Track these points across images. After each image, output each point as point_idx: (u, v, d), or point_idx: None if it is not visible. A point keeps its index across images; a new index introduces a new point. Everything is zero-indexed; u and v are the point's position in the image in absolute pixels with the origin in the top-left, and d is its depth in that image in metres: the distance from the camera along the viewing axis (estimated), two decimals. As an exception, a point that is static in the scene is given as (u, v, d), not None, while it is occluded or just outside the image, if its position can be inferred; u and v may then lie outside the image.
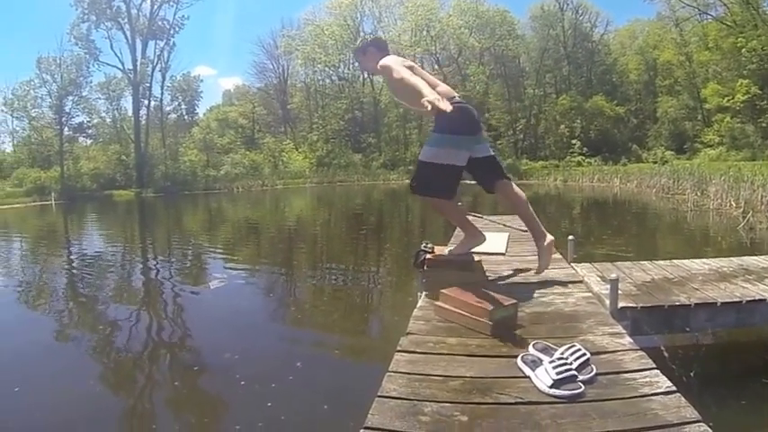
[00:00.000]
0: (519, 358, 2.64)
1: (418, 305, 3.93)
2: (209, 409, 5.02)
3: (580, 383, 2.35)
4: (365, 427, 2.17)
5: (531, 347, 2.73)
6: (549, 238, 4.43)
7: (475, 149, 4.17)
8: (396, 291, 9.29)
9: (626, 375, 2.48)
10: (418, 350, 2.96)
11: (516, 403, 2.28)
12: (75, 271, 13.18)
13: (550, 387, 2.34)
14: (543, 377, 2.40)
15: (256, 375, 5.44)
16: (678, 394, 2.26)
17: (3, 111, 46.30)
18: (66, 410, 4.96)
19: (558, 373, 2.36)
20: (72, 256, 15.82)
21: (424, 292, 4.18)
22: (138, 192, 40.91)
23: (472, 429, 2.09)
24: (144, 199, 38.54)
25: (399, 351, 2.97)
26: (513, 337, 3.09)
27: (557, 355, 2.56)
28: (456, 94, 4.15)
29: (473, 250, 4.65)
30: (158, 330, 7.88)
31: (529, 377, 2.49)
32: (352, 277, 10.81)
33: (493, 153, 4.45)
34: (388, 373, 2.67)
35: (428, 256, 4.44)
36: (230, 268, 12.29)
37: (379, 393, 2.46)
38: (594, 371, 2.48)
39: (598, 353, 2.71)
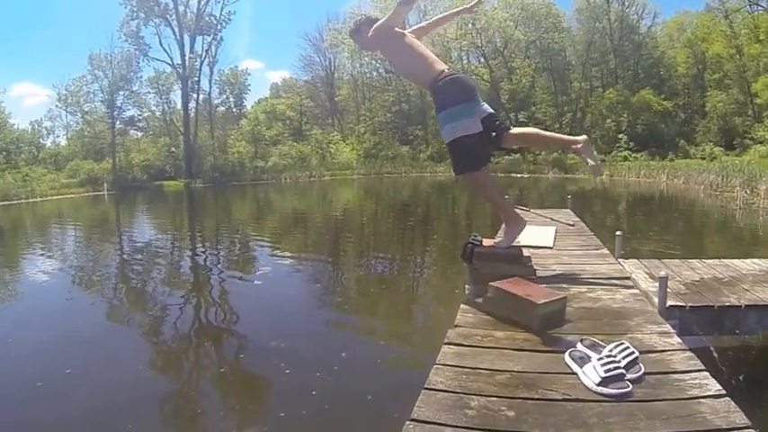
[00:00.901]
0: (567, 354, 2.62)
1: (466, 298, 3.92)
2: (253, 396, 5.11)
3: (628, 382, 2.31)
4: (411, 419, 2.17)
5: (578, 343, 2.71)
6: (583, 137, 4.23)
7: (480, 112, 4.12)
8: (442, 282, 9.27)
9: (674, 376, 2.43)
10: (465, 343, 2.96)
11: (563, 400, 2.26)
12: (125, 258, 13.61)
13: (598, 385, 2.30)
14: (591, 374, 2.37)
15: (301, 363, 5.51)
16: (728, 398, 2.19)
17: (57, 106, 47.96)
18: (114, 392, 5.12)
19: (606, 371, 2.32)
20: (123, 244, 16.33)
21: (471, 285, 4.17)
22: (188, 182, 41.83)
23: (519, 425, 2.07)
24: (193, 189, 39.39)
25: (447, 344, 2.96)
26: (561, 332, 3.07)
27: (605, 352, 2.52)
28: (446, 67, 4.13)
29: (521, 244, 4.64)
30: (205, 316, 8.09)
31: (576, 374, 2.46)
32: (398, 268, 10.81)
33: (492, 110, 4.35)
34: (435, 366, 2.67)
35: (476, 248, 4.42)
36: (277, 257, 12.47)
37: (425, 386, 2.46)
38: (643, 370, 2.43)
39: (646, 352, 2.66)
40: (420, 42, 4.31)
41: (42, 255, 14.13)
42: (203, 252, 14.27)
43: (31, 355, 6.26)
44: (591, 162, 4.19)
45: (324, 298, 8.87)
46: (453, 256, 10.74)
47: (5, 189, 32.75)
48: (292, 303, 8.44)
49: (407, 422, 2.15)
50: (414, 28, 4.60)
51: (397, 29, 4.21)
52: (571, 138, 4.33)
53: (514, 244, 4.52)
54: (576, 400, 2.25)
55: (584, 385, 2.35)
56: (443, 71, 4.06)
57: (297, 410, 4.48)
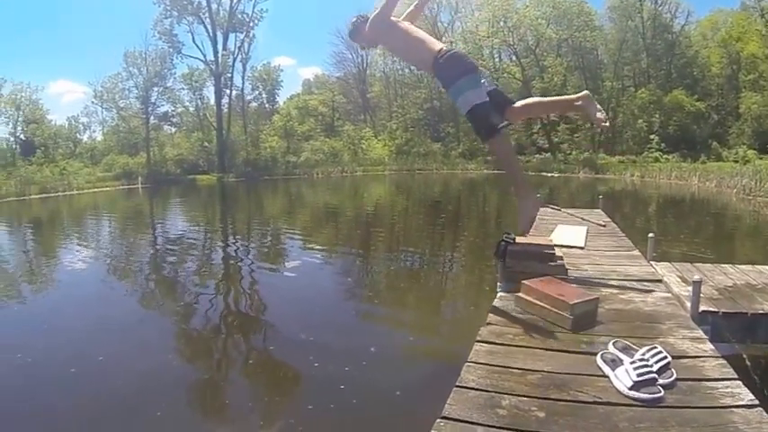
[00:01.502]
0: (598, 356, 2.61)
1: (498, 295, 3.92)
2: (281, 388, 5.17)
3: (660, 387, 2.29)
4: (443, 416, 2.18)
5: (610, 345, 2.70)
6: (583, 93, 4.27)
7: (485, 83, 4.14)
8: (471, 279, 9.26)
9: (707, 384, 2.40)
10: (497, 341, 2.97)
11: (594, 402, 2.25)
12: (159, 249, 13.86)
13: (630, 389, 2.29)
14: (623, 378, 2.35)
15: (330, 357, 5.54)
16: (760, 408, 2.16)
17: (93, 102, 48.74)
18: (145, 379, 5.24)
19: (638, 375, 2.30)
20: (156, 235, 16.65)
21: (503, 283, 4.17)
22: (220, 176, 42.19)
23: (549, 426, 2.08)
24: (225, 183, 39.74)
25: (479, 341, 2.97)
26: (593, 333, 3.05)
27: (637, 356, 2.50)
28: (443, 45, 4.17)
29: (553, 243, 4.64)
30: (236, 307, 8.19)
31: (608, 376, 2.45)
32: (427, 264, 10.79)
33: (495, 86, 4.42)
34: (466, 364, 2.69)
35: (509, 246, 4.41)
36: (308, 250, 12.56)
37: (457, 383, 2.48)
38: (675, 376, 2.41)
39: (678, 357, 2.63)
40: (414, 27, 4.38)
41: (78, 245, 14.50)
42: (235, 244, 14.47)
43: (66, 342, 6.44)
44: (598, 115, 4.22)
45: (354, 292, 8.89)
46: (483, 253, 10.73)
47: (44, 182, 33.45)
48: (322, 296, 8.52)
49: (438, 420, 2.16)
50: (405, 14, 4.60)
51: (392, 18, 4.27)
52: (572, 96, 4.33)
53: (546, 242, 4.52)
54: (608, 403, 2.24)
55: (616, 388, 2.34)
56: (441, 49, 4.11)
57: (325, 404, 4.51)
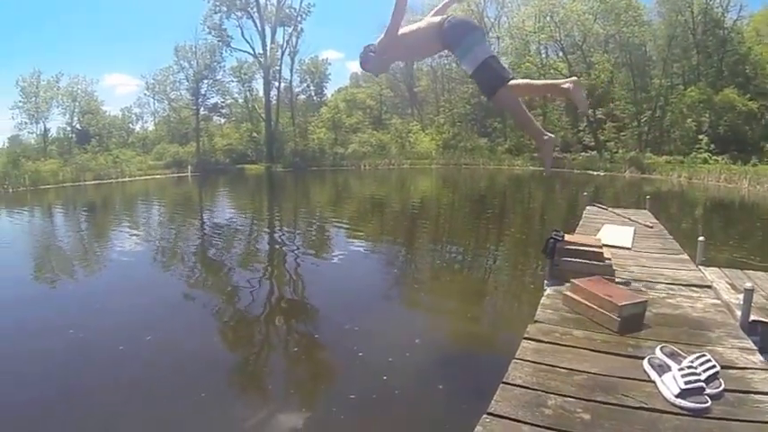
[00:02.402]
0: (646, 360, 2.59)
1: (546, 293, 3.93)
2: (325, 376, 5.25)
3: (707, 397, 2.25)
4: (489, 413, 2.21)
5: (658, 350, 2.67)
6: (572, 78, 4.11)
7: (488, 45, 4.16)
8: (515, 275, 9.18)
9: (755, 397, 2.35)
10: (545, 339, 2.98)
11: (640, 408, 2.24)
12: (206, 235, 14.20)
13: (677, 396, 2.26)
14: (670, 384, 2.33)
15: (374, 347, 5.60)
16: None
17: (146, 94, 50.25)
18: (190, 360, 5.42)
19: (686, 383, 2.28)
20: (204, 222, 17.00)
21: (551, 281, 4.18)
22: (269, 166, 42.92)
23: (594, 429, 2.09)
24: (273, 173, 40.26)
25: (526, 338, 3.00)
26: (639, 336, 3.02)
27: (685, 363, 2.47)
28: (441, 17, 4.22)
29: (602, 243, 4.63)
30: (280, 295, 8.29)
31: (654, 382, 2.43)
32: (472, 258, 10.71)
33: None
34: (514, 360, 2.71)
35: (558, 243, 4.40)
36: (353, 240, 12.64)
37: (504, 380, 2.51)
38: (722, 386, 2.37)
39: (726, 367, 2.58)
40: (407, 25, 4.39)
41: (129, 229, 14.99)
42: (281, 232, 14.68)
43: (116, 321, 6.70)
44: (580, 108, 4.26)
45: (398, 283, 8.93)
46: (526, 249, 10.66)
47: (98, 169, 34.59)
48: (367, 287, 8.55)
49: (485, 415, 2.19)
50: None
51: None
52: (559, 81, 4.23)
53: (595, 242, 4.50)
54: (653, 409, 2.23)
55: (662, 395, 2.32)
56: (443, 19, 4.14)
57: (367, 394, 4.56)
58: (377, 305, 7.50)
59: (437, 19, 4.20)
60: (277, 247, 12.30)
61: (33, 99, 41.85)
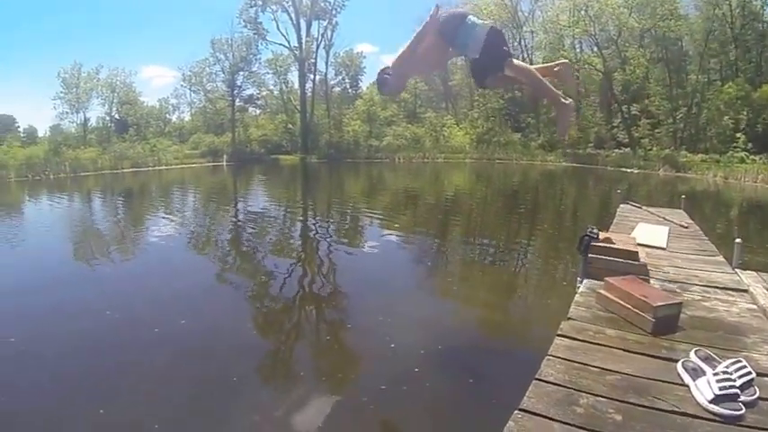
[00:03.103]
0: (679, 363, 2.56)
1: (579, 290, 3.92)
2: (356, 366, 5.29)
3: (741, 404, 2.21)
4: (520, 408, 2.23)
5: (692, 354, 2.64)
6: (564, 60, 4.33)
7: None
8: (547, 271, 9.14)
9: None
10: (578, 337, 2.98)
11: (672, 412, 2.22)
12: (240, 222, 14.49)
13: (710, 402, 2.23)
14: (704, 389, 2.29)
15: (407, 340, 5.61)
16: None
17: (182, 85, 51.50)
18: (223, 345, 5.55)
19: (720, 389, 2.24)
20: (238, 210, 17.33)
21: (585, 278, 4.17)
22: (303, 157, 43.80)
23: (625, 431, 2.08)
24: (308, 164, 40.83)
25: (559, 336, 3.00)
26: (673, 338, 3.00)
27: (720, 368, 2.42)
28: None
29: (637, 242, 4.61)
30: (313, 283, 8.36)
31: (687, 386, 2.41)
32: (504, 253, 10.66)
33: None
34: (547, 357, 2.73)
35: (593, 241, 4.39)
36: (385, 232, 12.65)
37: (536, 376, 2.52)
38: (757, 394, 2.31)
39: (762, 374, 2.53)
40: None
41: (165, 215, 15.37)
42: (315, 221, 14.87)
43: (151, 304, 6.92)
44: (566, 85, 4.49)
45: (431, 276, 8.93)
46: (559, 245, 10.58)
47: (135, 158, 35.66)
48: (400, 278, 8.60)
49: (516, 411, 2.21)
50: None
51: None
52: (560, 95, 4.24)
53: (630, 241, 4.49)
54: (686, 414, 2.21)
55: (695, 399, 2.30)
56: (437, 18, 4.21)
57: (398, 385, 4.59)
58: (410, 297, 7.52)
59: (435, 21, 4.26)
60: (311, 235, 12.47)
61: (74, 90, 43.07)
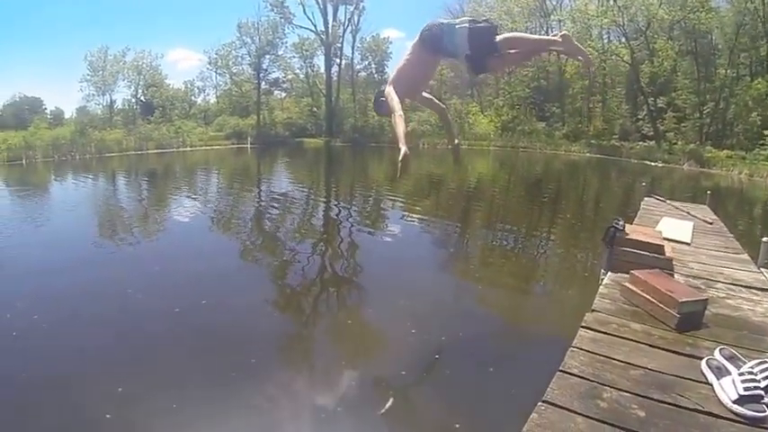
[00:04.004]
0: (704, 361, 2.55)
1: (604, 282, 3.90)
2: (377, 351, 5.32)
3: (765, 406, 2.19)
4: (544, 400, 2.24)
5: (717, 352, 2.61)
6: (562, 32, 4.30)
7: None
8: (569, 261, 9.10)
9: None
10: (602, 330, 2.98)
11: (695, 410, 2.21)
12: (263, 204, 14.65)
13: (734, 402, 2.21)
14: (729, 389, 2.27)
15: (427, 326, 5.65)
16: None
17: (208, 68, 51.25)
18: (243, 327, 5.63)
19: (745, 389, 2.21)
20: (262, 192, 17.46)
21: (609, 270, 4.15)
22: (328, 140, 43.85)
23: (648, 428, 2.08)
24: (332, 147, 40.88)
25: (583, 327, 3.00)
26: (697, 335, 2.97)
27: (745, 368, 2.39)
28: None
29: (662, 235, 4.58)
30: (334, 267, 8.43)
31: (711, 385, 2.39)
32: (526, 242, 10.59)
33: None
34: (571, 349, 2.73)
35: (618, 233, 4.37)
36: (407, 217, 12.68)
37: (560, 368, 2.53)
38: None
39: None
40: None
41: (188, 196, 15.58)
42: (337, 204, 14.91)
43: (173, 283, 7.07)
44: (581, 57, 4.34)
45: (453, 263, 8.94)
46: (581, 235, 10.58)
47: (160, 139, 35.93)
48: (422, 264, 8.61)
49: (540, 403, 2.23)
50: None
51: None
52: (549, 37, 4.44)
53: (656, 234, 4.45)
54: (709, 413, 2.19)
55: (719, 399, 2.28)
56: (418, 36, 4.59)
57: (418, 371, 4.67)
58: (431, 283, 7.54)
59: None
60: (333, 217, 12.57)
61: (100, 72, 43.42)
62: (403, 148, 4.44)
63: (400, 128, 4.81)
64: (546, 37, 4.59)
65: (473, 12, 47.20)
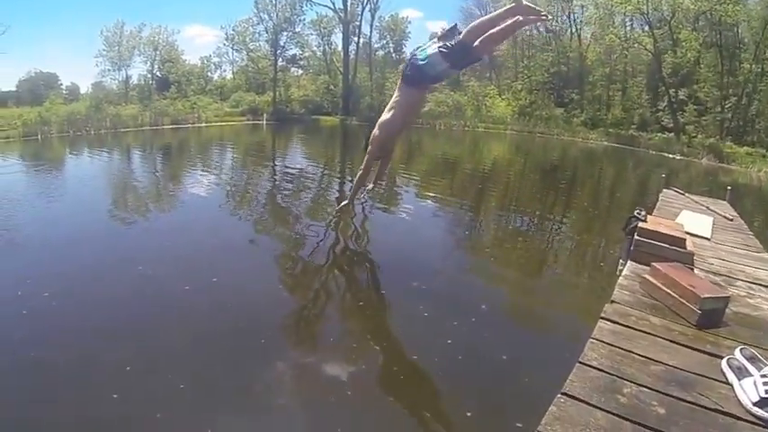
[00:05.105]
0: (724, 360, 2.51)
1: (623, 273, 3.85)
2: (388, 333, 5.33)
3: None
4: (563, 393, 2.22)
5: (737, 352, 2.57)
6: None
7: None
8: (584, 250, 9.06)
9: None
10: (621, 322, 2.94)
11: (715, 410, 2.18)
12: (277, 182, 14.61)
13: (755, 404, 2.17)
14: (750, 391, 2.23)
15: (440, 309, 5.64)
16: None
17: (225, 44, 51.35)
18: (253, 306, 5.64)
19: (767, 392, 2.18)
20: (276, 169, 17.52)
21: (629, 261, 4.10)
22: (343, 119, 43.76)
23: (668, 426, 2.05)
24: (348, 125, 40.61)
25: (603, 318, 2.96)
26: (718, 333, 2.92)
27: (767, 369, 2.34)
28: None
29: (687, 229, 4.53)
30: (346, 247, 8.36)
31: (731, 385, 2.35)
32: (540, 228, 10.54)
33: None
34: (590, 340, 2.70)
35: (640, 224, 4.31)
36: (421, 198, 12.71)
37: (580, 359, 2.50)
38: None
39: None
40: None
41: (202, 172, 15.49)
42: (351, 182, 14.66)
43: (184, 260, 7.06)
44: (533, 16, 5.25)
45: (466, 246, 8.92)
46: (592, 224, 10.59)
47: (176, 115, 35.88)
48: (435, 246, 8.58)
49: (559, 395, 2.20)
50: None
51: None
52: (503, 9, 5.40)
53: (677, 227, 4.40)
54: (729, 414, 2.16)
55: (738, 400, 2.25)
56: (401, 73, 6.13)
57: (430, 356, 4.61)
58: (444, 265, 7.52)
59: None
60: (347, 195, 12.40)
61: (116, 48, 43.60)
62: (346, 203, 6.70)
63: (357, 187, 6.76)
64: (501, 9, 5.40)
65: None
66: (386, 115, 6.39)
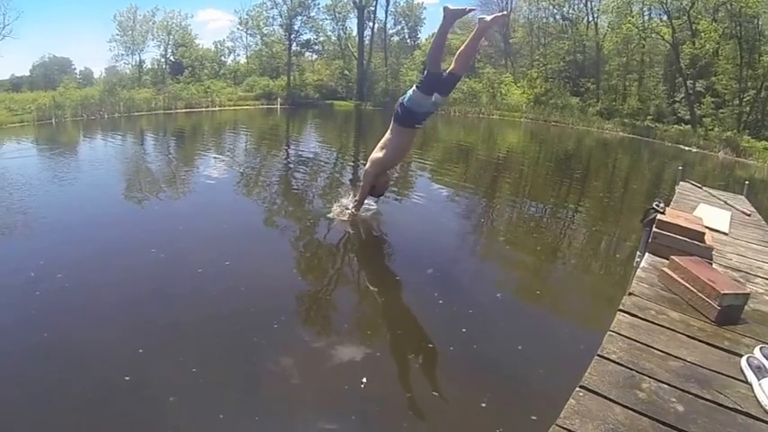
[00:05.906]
0: (744, 359, 2.49)
1: (641, 266, 3.82)
2: (403, 321, 5.30)
3: None
4: (582, 386, 2.21)
5: (757, 350, 2.55)
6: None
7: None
8: (598, 241, 8.95)
9: None
10: (640, 315, 2.92)
11: (734, 410, 2.15)
12: (290, 166, 14.60)
13: None
14: None
15: (455, 297, 5.65)
16: None
17: (238, 29, 51.10)
18: (266, 290, 5.63)
19: None
20: (290, 153, 17.48)
21: (647, 253, 4.07)
22: (358, 104, 43.74)
23: (686, 424, 2.03)
24: (362, 110, 40.64)
25: (621, 311, 2.94)
26: (737, 330, 2.89)
27: None
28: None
29: (704, 223, 4.49)
30: (360, 232, 8.26)
31: (750, 384, 2.33)
32: (555, 217, 10.43)
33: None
34: (609, 333, 2.68)
35: (659, 216, 4.27)
36: (435, 184, 12.66)
37: (598, 352, 2.48)
38: None
39: None
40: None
41: (216, 156, 15.58)
42: (365, 167, 14.68)
43: (197, 244, 7.04)
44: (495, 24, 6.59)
45: (482, 233, 8.90)
46: (609, 216, 10.52)
47: (189, 99, 35.98)
48: (450, 233, 8.54)
49: (578, 389, 2.19)
50: None
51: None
52: (474, 31, 6.70)
53: (696, 221, 4.36)
54: (747, 414, 2.14)
55: (758, 400, 2.23)
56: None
57: (445, 344, 4.60)
58: (459, 253, 7.52)
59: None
60: (358, 183, 12.40)
61: (130, 32, 43.73)
62: (353, 211, 7.62)
63: (361, 199, 7.73)
64: (473, 32, 6.62)
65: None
66: (378, 153, 7.56)
